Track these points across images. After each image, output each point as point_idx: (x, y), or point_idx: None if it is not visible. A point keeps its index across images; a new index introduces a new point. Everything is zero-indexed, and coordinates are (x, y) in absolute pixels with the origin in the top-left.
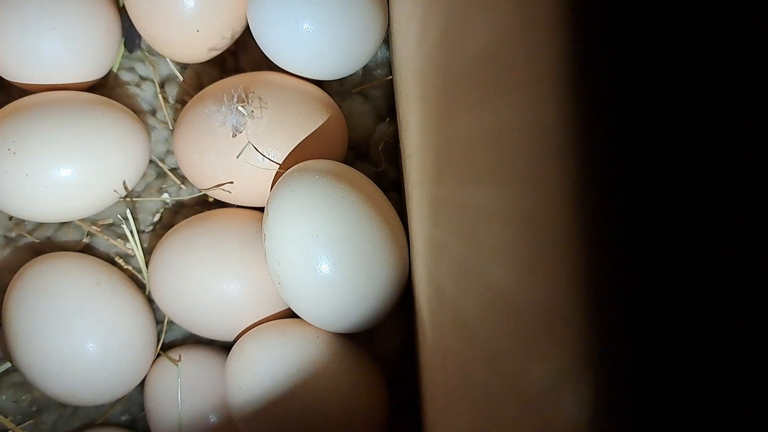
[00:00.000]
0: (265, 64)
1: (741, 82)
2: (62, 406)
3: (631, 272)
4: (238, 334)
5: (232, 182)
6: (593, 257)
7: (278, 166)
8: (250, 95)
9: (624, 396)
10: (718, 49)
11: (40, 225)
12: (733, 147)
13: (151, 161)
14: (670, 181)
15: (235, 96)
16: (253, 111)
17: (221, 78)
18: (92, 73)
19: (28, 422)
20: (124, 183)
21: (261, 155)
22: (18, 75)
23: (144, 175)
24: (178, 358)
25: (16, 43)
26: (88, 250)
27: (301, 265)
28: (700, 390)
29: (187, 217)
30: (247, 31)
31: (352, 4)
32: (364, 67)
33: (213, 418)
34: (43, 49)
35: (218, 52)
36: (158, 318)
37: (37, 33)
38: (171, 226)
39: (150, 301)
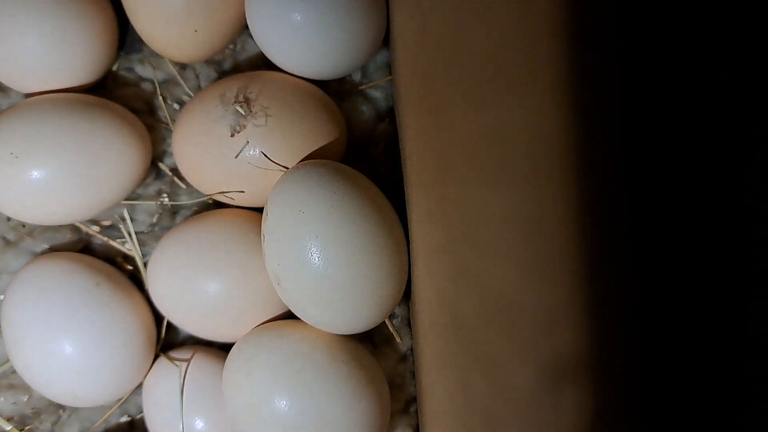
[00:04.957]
0: (264, 64)
1: (741, 80)
2: (61, 407)
3: (631, 274)
4: (236, 335)
5: (243, 191)
6: (593, 259)
7: (278, 166)
8: (248, 95)
9: (622, 398)
10: (716, 50)
11: (38, 226)
12: (732, 148)
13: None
14: (670, 183)
15: (234, 96)
16: (251, 111)
17: (220, 78)
18: (91, 75)
19: (28, 425)
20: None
21: (264, 155)
22: (17, 80)
23: None
24: (181, 360)
25: (15, 50)
26: (86, 251)
27: (301, 266)
28: (698, 391)
29: (185, 218)
30: (245, 31)
31: (349, 3)
32: (363, 68)
33: (211, 420)
34: (42, 54)
35: (217, 53)
36: (157, 319)
37: (34, 39)
38: (170, 227)
39: (149, 301)
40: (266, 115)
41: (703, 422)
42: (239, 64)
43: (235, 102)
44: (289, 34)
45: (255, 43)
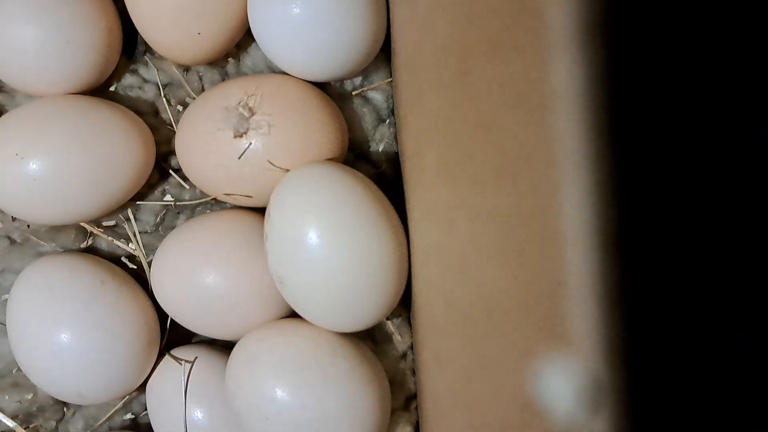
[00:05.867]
0: (266, 67)
1: (741, 80)
2: (65, 405)
3: (631, 274)
4: (239, 333)
5: (251, 196)
6: (594, 259)
7: (279, 168)
8: (251, 97)
9: (622, 397)
10: (716, 50)
11: (43, 226)
12: (732, 148)
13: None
14: (670, 183)
15: (237, 98)
16: (254, 113)
17: (223, 80)
18: (95, 77)
19: (32, 423)
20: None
21: (267, 161)
22: (22, 82)
23: None
24: (184, 359)
25: (18, 52)
26: (91, 251)
27: (303, 265)
28: (698, 391)
29: (189, 218)
30: (248, 34)
31: (350, 2)
32: (364, 71)
33: (214, 418)
34: (46, 56)
35: (220, 55)
36: (161, 317)
37: (38, 41)
38: (173, 227)
39: (153, 300)
40: (269, 120)
41: (704, 422)
42: (242, 67)
43: (238, 104)
44: (290, 34)
45: (258, 47)
